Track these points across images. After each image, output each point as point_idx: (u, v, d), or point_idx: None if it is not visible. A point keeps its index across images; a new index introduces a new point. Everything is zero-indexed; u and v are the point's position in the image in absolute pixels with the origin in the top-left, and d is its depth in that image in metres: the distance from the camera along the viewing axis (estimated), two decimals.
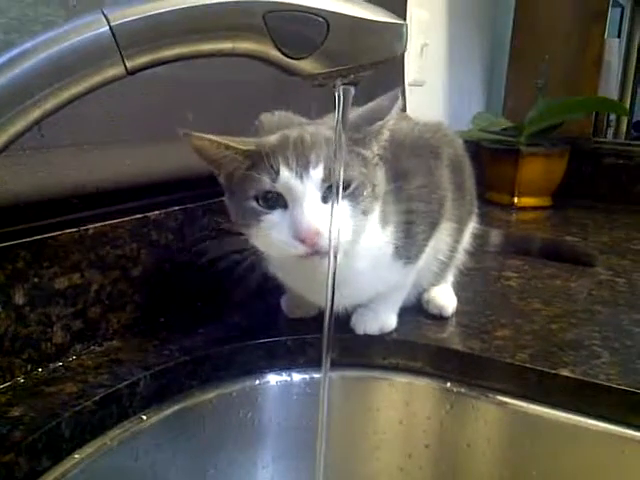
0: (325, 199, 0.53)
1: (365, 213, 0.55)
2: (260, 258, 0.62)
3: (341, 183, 0.51)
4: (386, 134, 0.57)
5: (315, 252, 0.52)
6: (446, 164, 0.69)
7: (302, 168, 0.52)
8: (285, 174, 0.52)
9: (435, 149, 0.68)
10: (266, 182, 0.52)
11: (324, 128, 0.56)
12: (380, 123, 0.56)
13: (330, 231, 0.51)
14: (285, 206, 0.53)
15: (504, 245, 1.01)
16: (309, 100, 0.67)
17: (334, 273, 0.50)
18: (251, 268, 0.59)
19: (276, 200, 0.53)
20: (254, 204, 0.54)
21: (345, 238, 0.54)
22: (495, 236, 1.02)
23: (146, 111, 0.65)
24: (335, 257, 0.50)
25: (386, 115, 0.56)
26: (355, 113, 0.57)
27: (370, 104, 0.59)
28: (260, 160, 0.53)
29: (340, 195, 0.52)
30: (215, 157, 0.54)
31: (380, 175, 0.58)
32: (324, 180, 0.52)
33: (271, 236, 0.53)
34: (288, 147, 0.52)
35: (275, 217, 0.53)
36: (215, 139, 0.52)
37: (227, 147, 0.53)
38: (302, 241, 0.51)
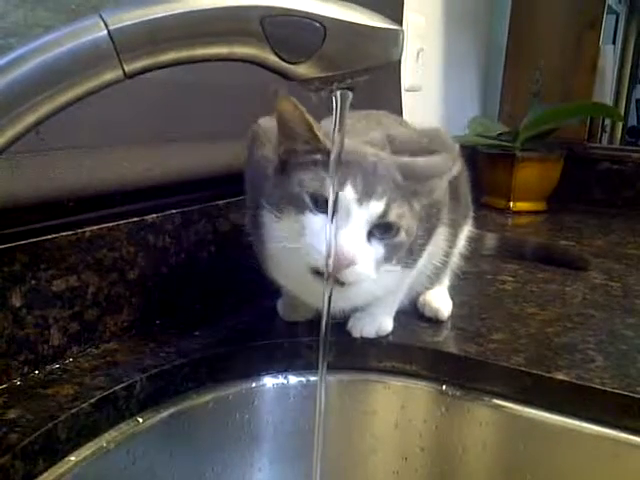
0: (370, 237, 0.53)
1: (396, 264, 0.56)
2: (260, 259, 0.62)
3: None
4: (438, 193, 0.59)
5: (334, 277, 0.51)
6: None
7: (365, 195, 0.52)
8: (349, 192, 0.52)
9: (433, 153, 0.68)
10: (329, 190, 0.50)
11: (391, 158, 0.56)
12: (436, 181, 0.57)
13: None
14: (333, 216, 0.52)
15: (499, 249, 1.01)
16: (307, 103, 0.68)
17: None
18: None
19: (326, 206, 0.51)
20: (306, 197, 0.53)
21: (368, 274, 0.53)
22: (490, 239, 1.02)
23: (144, 114, 0.65)
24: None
25: (443, 174, 0.57)
26: (417, 161, 0.57)
27: (430, 158, 0.58)
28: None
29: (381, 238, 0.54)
30: (292, 128, 0.53)
31: (417, 228, 0.58)
32: (380, 217, 0.53)
33: (304, 236, 0.53)
34: (361, 167, 0.52)
35: (318, 221, 0.52)
36: (304, 114, 0.52)
37: (310, 129, 0.53)
38: (332, 259, 0.50)
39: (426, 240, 0.65)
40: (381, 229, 0.54)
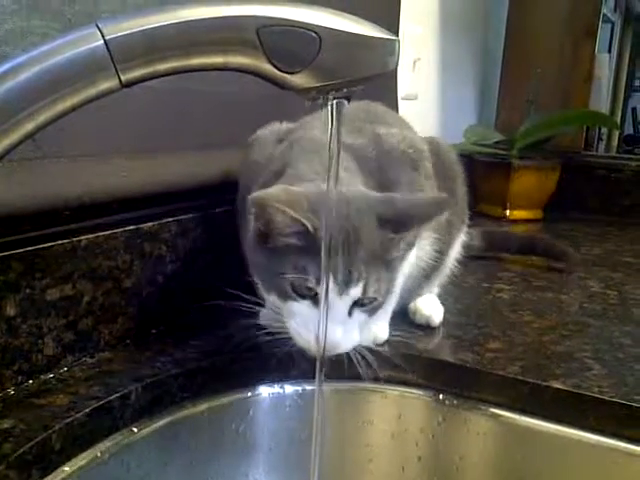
0: (351, 310, 0.54)
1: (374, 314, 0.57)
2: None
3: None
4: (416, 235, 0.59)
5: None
6: (428, 176, 0.69)
7: (344, 285, 0.52)
8: (330, 285, 0.52)
9: (415, 163, 0.68)
10: (311, 281, 0.52)
11: (370, 220, 0.54)
12: (415, 232, 0.57)
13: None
14: (316, 301, 0.53)
15: (485, 247, 1.02)
16: (302, 110, 0.68)
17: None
18: None
19: (308, 292, 0.53)
20: (288, 288, 0.53)
21: (353, 344, 0.56)
22: (475, 240, 1.00)
23: (142, 123, 0.65)
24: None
25: (426, 221, 0.56)
26: (400, 203, 0.56)
27: (416, 199, 0.57)
28: (312, 251, 0.51)
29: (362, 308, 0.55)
30: (271, 219, 0.52)
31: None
32: (359, 298, 0.54)
33: (293, 322, 0.54)
34: (338, 253, 0.52)
35: (302, 308, 0.54)
36: (289, 212, 0.50)
37: (291, 218, 0.51)
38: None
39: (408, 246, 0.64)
40: (360, 302, 0.55)
